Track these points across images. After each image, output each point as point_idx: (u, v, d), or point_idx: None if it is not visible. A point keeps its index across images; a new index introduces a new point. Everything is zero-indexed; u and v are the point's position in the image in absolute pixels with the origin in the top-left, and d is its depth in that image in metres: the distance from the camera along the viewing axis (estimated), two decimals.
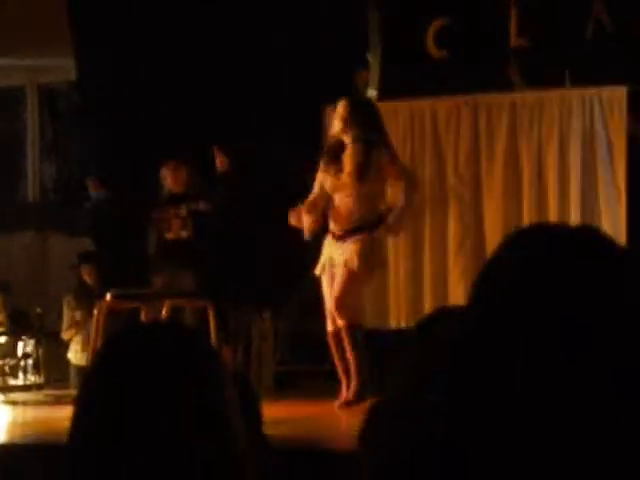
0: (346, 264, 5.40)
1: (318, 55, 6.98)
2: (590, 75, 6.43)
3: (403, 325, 6.58)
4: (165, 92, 7.21)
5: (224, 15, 7.24)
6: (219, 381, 1.28)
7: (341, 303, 5.42)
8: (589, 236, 1.06)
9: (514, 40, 6.78)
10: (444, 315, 1.96)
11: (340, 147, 5.55)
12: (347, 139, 5.52)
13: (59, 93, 8.79)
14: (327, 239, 5.58)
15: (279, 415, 4.95)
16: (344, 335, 5.45)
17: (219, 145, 6.49)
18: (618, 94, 6.33)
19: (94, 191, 7.40)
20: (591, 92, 6.40)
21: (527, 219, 6.54)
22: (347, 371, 5.53)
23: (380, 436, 1.50)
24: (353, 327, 5.45)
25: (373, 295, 6.47)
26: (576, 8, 6.55)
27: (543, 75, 6.60)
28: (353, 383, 5.47)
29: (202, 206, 6.64)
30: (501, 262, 1.03)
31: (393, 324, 6.68)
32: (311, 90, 6.92)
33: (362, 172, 5.41)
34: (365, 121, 5.52)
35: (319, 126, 6.82)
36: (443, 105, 6.78)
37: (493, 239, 6.60)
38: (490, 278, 1.03)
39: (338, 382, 5.75)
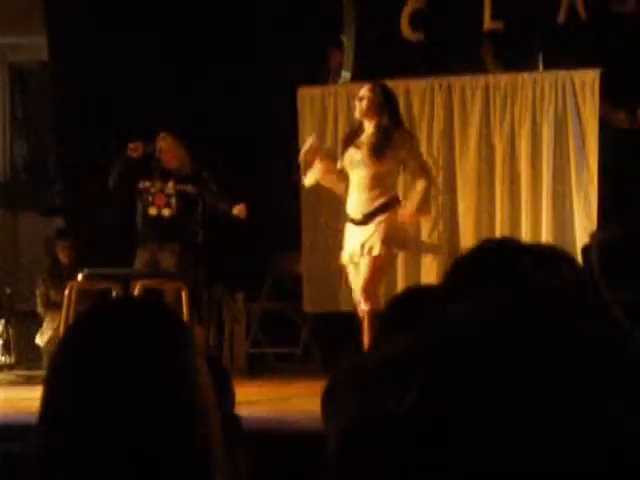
0: (371, 252, 5.42)
1: (292, 36, 6.96)
2: (563, 59, 6.45)
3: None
4: (140, 74, 7.16)
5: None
6: (187, 352, 1.28)
7: (368, 290, 5.44)
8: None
9: (488, 23, 6.79)
10: (415, 294, 1.97)
11: (360, 130, 5.53)
12: (371, 124, 5.48)
13: (30, 72, 8.71)
14: (348, 227, 5.58)
15: (252, 397, 4.96)
16: (366, 319, 5.45)
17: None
18: (590, 77, 6.36)
19: None
20: (563, 75, 6.42)
21: (499, 201, 6.57)
22: None
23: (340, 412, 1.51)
24: (377, 313, 5.43)
25: (346, 278, 6.48)
26: None
27: (516, 58, 6.62)
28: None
29: (190, 188, 6.57)
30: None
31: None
32: (285, 70, 6.90)
33: (381, 150, 5.40)
34: (391, 107, 5.52)
35: (294, 105, 6.81)
36: (417, 87, 6.78)
37: (466, 220, 6.63)
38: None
39: (312, 364, 5.79)
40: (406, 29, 7.01)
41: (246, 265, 6.87)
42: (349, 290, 6.52)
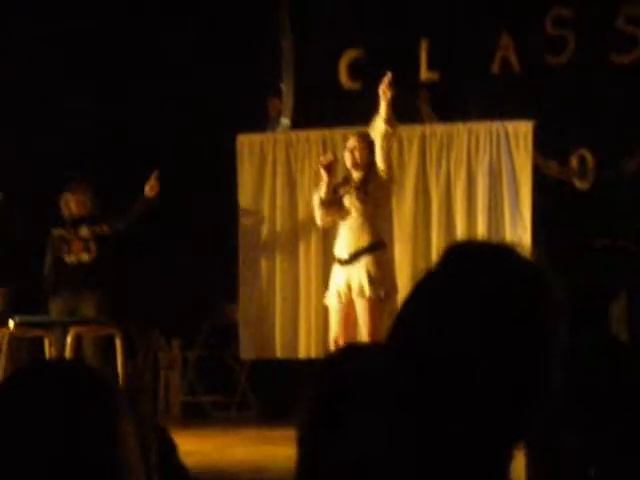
0: (363, 294, 5.40)
1: (232, 83, 6.99)
2: (497, 110, 6.58)
3: (313, 355, 6.59)
4: (73, 110, 7.10)
5: (140, 36, 7.20)
6: (115, 417, 1.27)
7: (378, 338, 5.36)
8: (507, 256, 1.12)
9: (424, 73, 6.91)
10: (352, 352, 1.98)
11: (348, 178, 5.64)
12: (359, 172, 5.58)
13: None
14: (335, 267, 5.60)
15: (186, 446, 4.90)
16: None
17: (157, 170, 6.41)
18: (524, 128, 6.49)
19: None
20: (498, 126, 6.55)
21: (436, 248, 6.64)
22: None
23: None
24: None
25: (284, 325, 6.48)
26: (484, 44, 6.71)
27: (452, 108, 6.74)
28: None
29: (105, 229, 6.51)
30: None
31: (302, 355, 6.69)
32: (225, 117, 6.93)
33: (366, 191, 5.50)
34: (373, 154, 5.61)
35: (233, 152, 6.83)
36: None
37: (402, 267, 6.68)
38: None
39: (249, 411, 5.74)
40: (344, 78, 7.10)
41: (182, 311, 6.83)
42: (286, 337, 6.52)
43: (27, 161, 6.95)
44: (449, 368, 1.05)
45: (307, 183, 6.89)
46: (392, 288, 5.52)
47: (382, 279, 5.43)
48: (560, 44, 6.66)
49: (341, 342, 5.40)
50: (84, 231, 6.46)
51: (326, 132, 6.92)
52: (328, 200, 5.56)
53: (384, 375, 1.11)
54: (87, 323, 6.08)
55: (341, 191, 5.58)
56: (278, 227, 6.79)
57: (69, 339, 5.58)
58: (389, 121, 5.48)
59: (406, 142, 6.74)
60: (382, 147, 5.51)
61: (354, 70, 7.06)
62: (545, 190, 6.49)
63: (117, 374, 5.80)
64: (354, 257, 5.45)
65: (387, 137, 5.51)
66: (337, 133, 6.91)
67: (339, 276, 5.52)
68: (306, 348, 6.76)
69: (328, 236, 6.80)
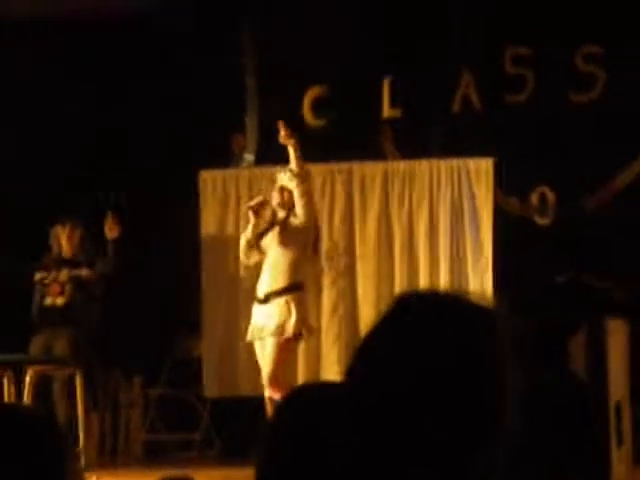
0: (275, 333, 5.46)
1: (195, 118, 7.00)
2: (459, 147, 6.65)
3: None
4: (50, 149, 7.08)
5: (102, 75, 7.20)
6: (61, 461, 1.27)
7: (276, 377, 5.43)
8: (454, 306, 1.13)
9: (387, 111, 6.96)
10: (301, 396, 1.97)
11: (275, 215, 5.75)
12: (280, 209, 5.69)
13: None
14: (254, 305, 5.67)
15: None
16: (269, 406, 5.37)
17: (113, 211, 6.39)
18: (485, 165, 6.56)
19: None
20: (459, 163, 6.61)
21: (399, 285, 6.66)
22: None
23: None
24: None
25: (247, 362, 6.44)
26: (446, 82, 6.79)
27: (414, 145, 6.80)
28: None
29: (84, 272, 6.49)
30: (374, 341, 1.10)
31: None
32: (189, 153, 6.93)
33: (287, 232, 5.61)
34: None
35: (196, 189, 6.82)
36: (318, 171, 6.88)
37: (366, 304, 6.69)
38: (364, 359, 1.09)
39: (212, 450, 5.66)
40: (308, 115, 7.14)
41: (144, 349, 6.77)
42: (249, 374, 6.48)
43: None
44: (403, 411, 1.06)
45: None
46: (305, 329, 5.63)
47: (296, 320, 5.49)
48: (519, 83, 6.75)
49: (269, 386, 5.43)
50: (63, 274, 6.47)
51: None
52: (255, 241, 5.66)
53: (343, 412, 1.13)
54: (47, 362, 6.02)
55: (264, 229, 5.70)
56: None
57: (27, 378, 5.52)
58: (296, 163, 5.64)
59: (369, 179, 6.78)
60: (298, 192, 5.64)
61: (318, 107, 7.10)
62: (506, 227, 6.54)
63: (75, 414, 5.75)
64: (270, 297, 5.54)
65: (298, 178, 5.61)
66: None
67: (256, 314, 5.60)
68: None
69: None
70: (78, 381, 5.64)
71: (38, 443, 1.27)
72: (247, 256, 5.75)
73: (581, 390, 4.03)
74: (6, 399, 5.48)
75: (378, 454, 1.07)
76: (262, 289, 5.59)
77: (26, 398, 5.47)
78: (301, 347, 6.71)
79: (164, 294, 6.76)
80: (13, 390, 5.68)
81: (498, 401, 1.08)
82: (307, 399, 1.92)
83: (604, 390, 3.94)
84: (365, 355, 1.12)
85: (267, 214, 5.78)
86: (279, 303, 5.51)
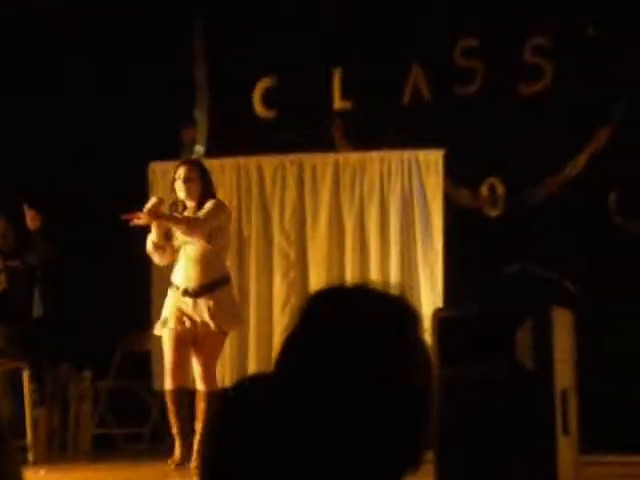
0: (208, 327, 5.35)
1: (145, 111, 6.94)
2: (409, 138, 6.67)
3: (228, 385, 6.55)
4: None
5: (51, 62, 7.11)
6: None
7: (209, 370, 5.36)
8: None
9: (337, 102, 6.96)
10: (246, 383, 1.97)
11: (182, 206, 5.54)
12: (191, 200, 5.51)
13: None
14: (171, 294, 5.49)
15: None
16: (201, 401, 5.29)
17: (28, 203, 6.27)
18: (434, 157, 6.59)
19: None
20: (409, 154, 6.64)
21: (350, 275, 6.67)
22: (182, 431, 5.36)
23: None
24: (213, 395, 5.32)
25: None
26: (396, 74, 6.80)
27: (364, 137, 6.81)
28: (196, 447, 5.27)
29: (18, 265, 6.41)
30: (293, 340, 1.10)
31: (218, 383, 6.62)
32: (138, 146, 6.87)
33: (213, 229, 5.45)
34: (207, 182, 5.57)
35: (145, 182, 6.77)
36: (269, 163, 6.88)
37: None
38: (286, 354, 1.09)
39: (162, 444, 5.62)
40: (259, 106, 7.11)
41: (93, 342, 6.71)
42: None
43: None
44: (331, 403, 1.06)
45: None
46: (235, 321, 5.60)
47: (225, 314, 5.44)
48: (469, 74, 6.78)
49: (201, 380, 5.36)
50: None
51: (240, 160, 6.93)
52: (164, 241, 5.49)
53: (275, 403, 1.13)
54: None
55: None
56: None
57: None
58: (181, 228, 5.44)
59: (319, 170, 6.78)
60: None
61: (268, 98, 7.08)
62: (456, 218, 6.58)
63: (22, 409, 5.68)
64: (198, 291, 5.40)
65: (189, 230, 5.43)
66: (251, 161, 6.92)
67: (177, 305, 5.44)
68: (221, 378, 6.70)
69: (240, 266, 6.79)
70: (25, 376, 5.56)
71: None
72: (157, 257, 5.56)
73: (527, 379, 4.08)
74: None
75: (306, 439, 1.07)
76: (187, 281, 5.43)
77: None
78: (252, 337, 6.71)
79: (113, 286, 6.70)
80: None
81: (414, 394, 1.08)
82: (244, 391, 1.92)
83: (550, 379, 3.98)
84: (287, 354, 1.12)
85: (166, 210, 5.55)
86: (211, 297, 5.39)
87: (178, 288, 5.45)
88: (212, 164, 6.91)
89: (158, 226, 5.44)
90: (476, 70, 6.76)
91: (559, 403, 4.02)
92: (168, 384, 5.43)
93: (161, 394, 6.70)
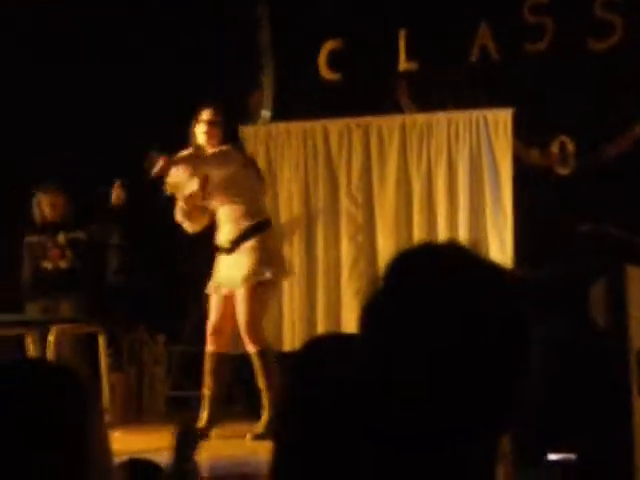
0: (246, 281, 5.21)
1: (210, 76, 6.96)
2: (476, 98, 6.58)
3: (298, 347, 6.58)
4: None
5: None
6: (84, 419, 1.27)
7: (251, 327, 5.21)
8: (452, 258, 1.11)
9: (403, 64, 6.89)
10: (317, 346, 1.97)
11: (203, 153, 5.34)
12: (210, 146, 5.32)
13: None
14: (218, 256, 5.45)
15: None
16: (257, 362, 5.22)
17: (122, 180, 6.38)
18: (503, 116, 6.50)
19: None
20: (477, 115, 6.55)
21: (418, 239, 6.64)
22: (213, 395, 5.39)
23: None
24: (265, 353, 5.26)
25: (267, 317, 6.45)
26: (462, 33, 6.70)
27: (431, 98, 6.73)
28: (265, 415, 5.28)
29: (81, 235, 6.52)
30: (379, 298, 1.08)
31: (288, 347, 6.68)
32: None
33: (229, 178, 5.28)
34: (229, 130, 5.40)
35: None
36: (335, 127, 6.85)
37: (386, 259, 6.67)
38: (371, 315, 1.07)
39: (235, 406, 5.69)
40: (324, 69, 7.08)
41: (167, 306, 6.81)
42: (270, 329, 6.50)
43: None
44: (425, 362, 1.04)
45: (287, 176, 6.88)
46: (279, 270, 5.37)
47: (269, 264, 5.25)
48: (538, 31, 6.65)
49: (247, 340, 5.25)
50: (61, 237, 6.47)
51: (306, 124, 6.92)
52: (188, 207, 5.31)
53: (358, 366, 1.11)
54: (68, 322, 6.06)
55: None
56: None
57: (51, 338, 5.56)
58: (188, 170, 5.22)
59: (386, 133, 6.74)
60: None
61: (333, 61, 7.04)
62: (526, 177, 6.49)
63: (99, 372, 5.80)
64: (235, 244, 5.26)
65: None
66: (317, 125, 6.90)
67: (220, 265, 5.35)
68: (291, 340, 6.76)
69: (307, 230, 6.80)
70: (100, 341, 5.67)
71: (60, 395, 1.27)
72: (187, 224, 5.41)
73: (602, 337, 4.02)
74: None
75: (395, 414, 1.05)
76: (225, 237, 5.31)
77: (49, 358, 5.52)
78: (321, 302, 6.72)
79: (187, 252, 6.75)
80: (36, 350, 5.73)
81: (518, 354, 1.06)
82: (324, 353, 1.92)
83: (625, 339, 3.92)
84: (372, 315, 1.10)
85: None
86: (246, 248, 5.24)
87: (219, 249, 5.40)
88: (278, 128, 6.94)
89: (170, 184, 5.23)
90: (545, 27, 6.63)
91: (634, 362, 3.96)
92: (209, 346, 5.40)
93: (233, 357, 6.78)
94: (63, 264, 6.45)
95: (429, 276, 1.08)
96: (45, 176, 6.54)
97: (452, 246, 1.12)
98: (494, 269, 1.08)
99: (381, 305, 1.08)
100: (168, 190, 5.33)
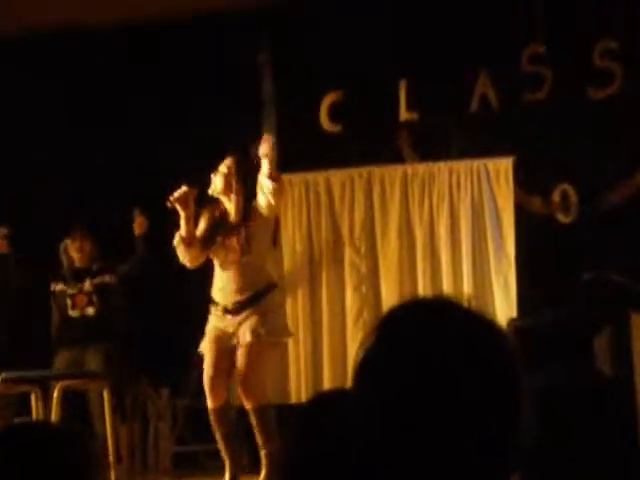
0: (247, 341, 5.08)
1: (215, 125, 7.02)
2: (477, 147, 6.62)
3: (304, 400, 6.55)
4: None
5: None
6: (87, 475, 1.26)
7: (247, 384, 5.09)
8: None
9: (404, 114, 6.94)
10: (321, 402, 1.96)
11: (220, 209, 5.20)
12: (229, 200, 5.18)
13: None
14: (213, 312, 5.24)
15: None
16: (253, 418, 5.11)
17: (140, 208, 6.41)
18: (504, 165, 6.53)
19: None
20: (478, 164, 6.59)
21: (422, 288, 6.64)
22: (230, 449, 5.27)
23: None
24: (263, 408, 5.17)
25: (273, 369, 6.43)
26: (462, 83, 6.76)
27: (432, 147, 6.78)
28: (263, 472, 5.13)
29: (108, 279, 6.51)
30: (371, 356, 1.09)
31: (294, 399, 6.65)
32: (207, 164, 6.93)
33: (251, 239, 5.09)
34: (250, 177, 5.16)
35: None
36: (337, 177, 6.89)
37: (390, 306, 6.66)
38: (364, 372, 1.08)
39: (249, 457, 5.63)
40: (325, 121, 7.13)
41: (171, 360, 6.77)
42: (275, 382, 6.47)
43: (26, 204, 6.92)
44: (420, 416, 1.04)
45: (290, 225, 6.90)
46: (281, 333, 5.24)
47: (271, 326, 5.09)
48: (538, 80, 6.71)
49: (243, 396, 5.14)
50: (87, 284, 6.46)
51: (308, 175, 6.95)
52: (195, 237, 5.06)
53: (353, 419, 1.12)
54: (74, 376, 6.02)
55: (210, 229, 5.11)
56: None
57: (55, 394, 5.51)
58: (273, 177, 5.03)
59: (388, 182, 6.77)
60: (271, 203, 5.04)
61: (334, 113, 7.10)
62: (529, 225, 6.50)
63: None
64: (240, 307, 5.08)
65: (275, 192, 5.01)
66: (319, 176, 6.94)
67: (219, 324, 5.16)
68: (297, 392, 6.72)
69: (311, 281, 6.80)
70: (106, 395, 5.63)
71: (63, 459, 1.27)
72: (181, 251, 5.09)
73: (608, 386, 4.00)
74: (34, 416, 5.47)
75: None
76: (228, 300, 5.09)
77: (54, 415, 5.47)
78: (326, 353, 6.70)
79: (190, 301, 6.75)
80: (41, 407, 5.69)
81: (507, 405, 1.06)
82: (328, 409, 1.91)
83: (631, 385, 3.90)
84: (365, 369, 1.10)
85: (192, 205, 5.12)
86: (255, 311, 5.06)
87: (218, 305, 5.19)
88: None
89: (186, 218, 5.06)
90: (544, 76, 6.68)
91: None
92: (209, 403, 5.23)
93: (239, 410, 6.74)
94: (90, 311, 6.42)
95: (416, 331, 1.08)
96: (71, 223, 6.57)
97: (440, 301, 1.12)
98: (481, 323, 1.09)
99: (370, 360, 1.09)
100: (171, 204, 5.12)
